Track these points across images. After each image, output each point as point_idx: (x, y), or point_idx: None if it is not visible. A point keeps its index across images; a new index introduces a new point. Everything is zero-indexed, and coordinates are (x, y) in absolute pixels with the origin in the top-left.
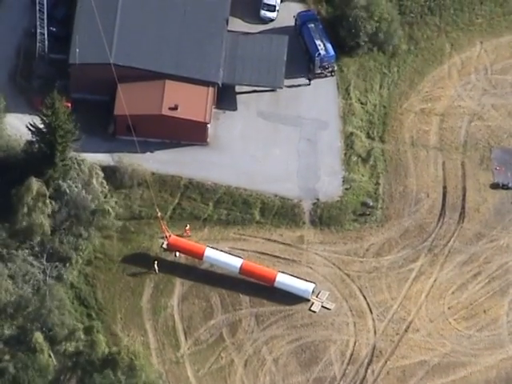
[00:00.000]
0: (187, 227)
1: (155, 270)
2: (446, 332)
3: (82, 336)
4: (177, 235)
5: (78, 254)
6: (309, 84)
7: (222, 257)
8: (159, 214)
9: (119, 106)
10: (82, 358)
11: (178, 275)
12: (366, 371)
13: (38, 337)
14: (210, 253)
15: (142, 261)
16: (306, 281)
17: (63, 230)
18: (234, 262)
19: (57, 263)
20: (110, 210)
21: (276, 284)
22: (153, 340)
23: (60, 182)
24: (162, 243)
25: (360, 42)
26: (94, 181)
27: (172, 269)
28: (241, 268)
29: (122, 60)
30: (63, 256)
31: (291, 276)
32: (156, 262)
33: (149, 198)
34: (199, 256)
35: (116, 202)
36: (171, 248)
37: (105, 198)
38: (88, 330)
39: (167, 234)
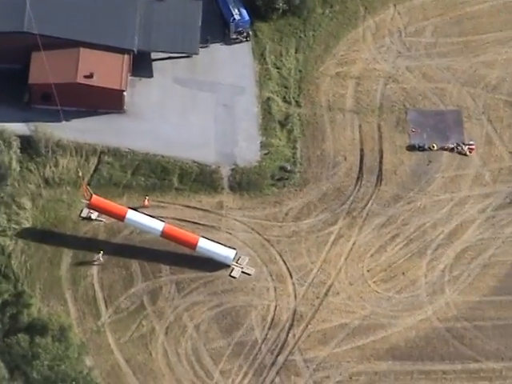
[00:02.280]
0: (147, 198)
1: (99, 259)
2: (365, 295)
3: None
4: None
5: None
6: (207, 46)
7: (143, 219)
8: (80, 174)
9: (33, 74)
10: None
11: (97, 244)
12: (287, 335)
13: None
14: (132, 215)
15: (59, 230)
16: (227, 247)
17: None
18: (156, 225)
19: None
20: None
21: (197, 249)
22: (73, 310)
23: None
24: (81, 211)
25: (275, 6)
26: (9, 150)
27: (91, 238)
28: (163, 231)
29: (34, 28)
30: None
31: (213, 241)
32: (101, 252)
33: (65, 166)
34: (121, 218)
35: (31, 171)
36: (92, 208)
37: (20, 167)
38: (18, 297)
39: (89, 194)
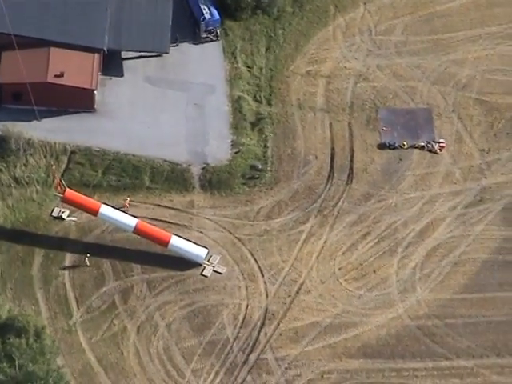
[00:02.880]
0: (127, 200)
1: (86, 262)
2: (337, 293)
3: None
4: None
5: None
6: (176, 44)
7: (117, 215)
8: (54, 167)
9: (4, 74)
10: None
11: (68, 243)
12: (258, 334)
13: None
14: (106, 210)
15: (30, 229)
16: (200, 245)
17: None
18: (129, 221)
19: None
20: None
21: (170, 247)
22: (44, 309)
23: None
24: (52, 211)
25: (244, 5)
26: None
27: (62, 237)
28: (135, 227)
29: (5, 27)
30: None
31: (185, 240)
32: (88, 255)
33: (36, 165)
34: (94, 212)
35: (1, 170)
36: (66, 202)
37: None
38: None
39: (62, 188)
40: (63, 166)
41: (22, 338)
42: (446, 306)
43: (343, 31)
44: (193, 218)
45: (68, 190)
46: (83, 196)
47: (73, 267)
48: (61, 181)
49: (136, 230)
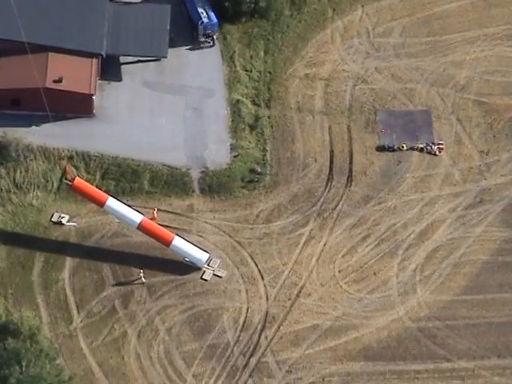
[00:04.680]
0: (155, 211)
1: (142, 279)
2: (337, 295)
3: None
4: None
5: None
6: (172, 44)
7: (122, 209)
8: (63, 155)
9: (2, 80)
10: None
11: (68, 248)
12: (259, 337)
13: None
14: (112, 203)
15: (30, 234)
16: (202, 249)
17: None
18: (134, 217)
19: None
20: None
21: (172, 247)
22: (45, 314)
23: None
24: (52, 216)
25: (242, 9)
26: None
27: (62, 242)
28: (140, 224)
29: (2, 33)
30: None
31: (188, 242)
32: (142, 271)
33: (35, 171)
34: (101, 203)
35: (1, 176)
36: (74, 190)
37: None
38: None
39: (72, 176)
40: (62, 172)
41: (18, 340)
42: (446, 307)
43: (341, 34)
44: (192, 222)
45: (77, 178)
46: (92, 186)
47: (73, 272)
48: (71, 168)
49: (140, 227)
